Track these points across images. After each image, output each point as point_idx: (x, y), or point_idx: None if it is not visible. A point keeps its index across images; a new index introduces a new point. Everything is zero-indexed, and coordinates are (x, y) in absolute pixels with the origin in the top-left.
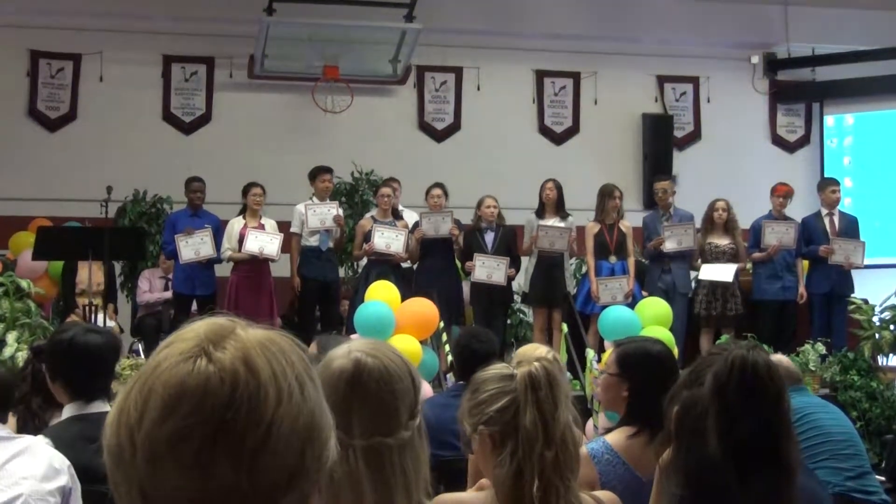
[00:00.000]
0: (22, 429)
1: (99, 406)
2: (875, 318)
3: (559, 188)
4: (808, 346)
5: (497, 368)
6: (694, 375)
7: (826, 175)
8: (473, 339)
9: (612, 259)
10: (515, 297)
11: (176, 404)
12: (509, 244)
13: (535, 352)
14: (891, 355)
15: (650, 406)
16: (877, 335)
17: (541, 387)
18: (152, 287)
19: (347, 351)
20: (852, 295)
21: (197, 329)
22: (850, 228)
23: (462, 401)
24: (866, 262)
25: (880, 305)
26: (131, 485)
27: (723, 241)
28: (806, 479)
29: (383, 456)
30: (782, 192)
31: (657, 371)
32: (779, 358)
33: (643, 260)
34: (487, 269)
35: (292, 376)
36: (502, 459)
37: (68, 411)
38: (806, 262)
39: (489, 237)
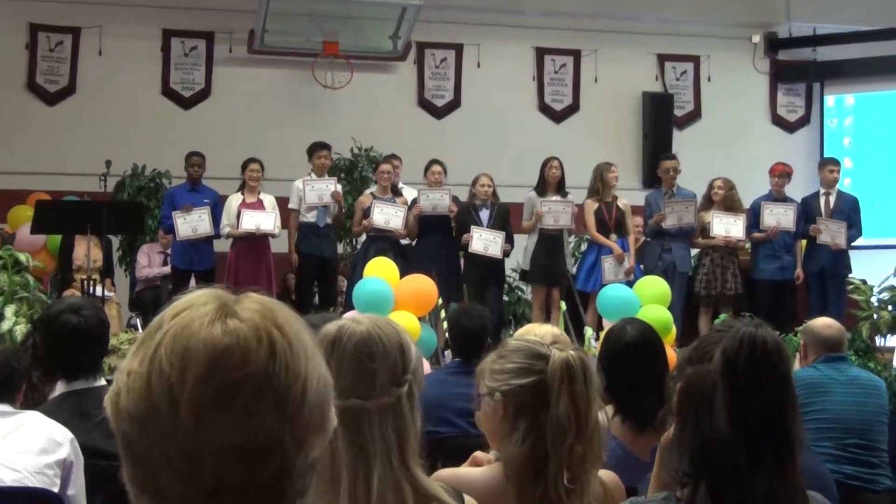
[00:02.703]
0: (22, 402)
1: (87, 382)
2: (873, 299)
3: (563, 167)
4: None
5: (531, 341)
6: (699, 352)
7: (826, 155)
8: (463, 316)
9: (613, 237)
10: (512, 272)
11: (221, 360)
12: (504, 222)
13: (539, 330)
14: (889, 336)
15: (614, 386)
16: (875, 315)
17: (577, 379)
18: (151, 262)
19: (339, 319)
20: (850, 275)
21: (206, 295)
22: (846, 208)
23: (486, 359)
24: (865, 242)
25: (879, 286)
26: (167, 445)
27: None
28: (809, 459)
29: (360, 419)
30: (778, 172)
31: (624, 353)
32: (825, 321)
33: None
34: (484, 241)
35: (307, 337)
36: (514, 436)
37: (60, 387)
38: (804, 242)
39: (484, 214)
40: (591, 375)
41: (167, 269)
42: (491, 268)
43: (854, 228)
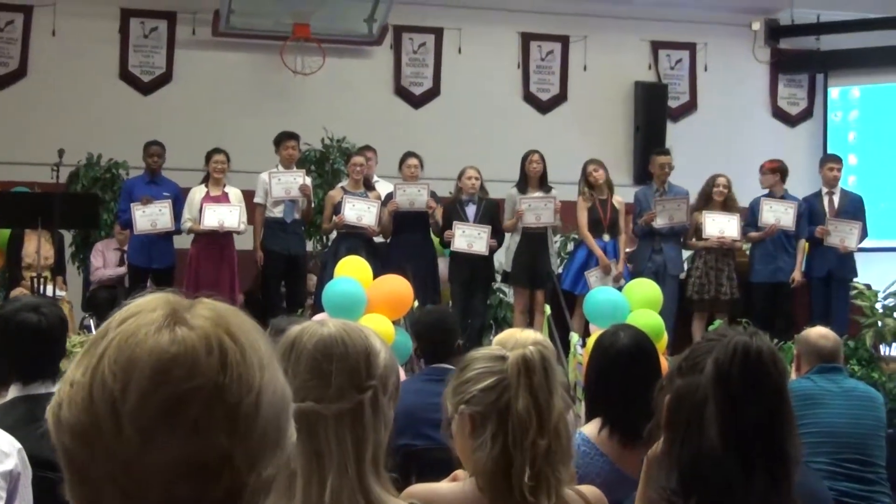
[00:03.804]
0: None
1: (44, 386)
2: (878, 305)
3: (545, 161)
4: None
5: (490, 349)
6: (689, 363)
7: (829, 151)
8: (423, 314)
9: (606, 237)
10: (496, 275)
11: (167, 370)
12: (493, 218)
13: (520, 336)
14: (894, 344)
15: (603, 397)
16: (879, 323)
17: (535, 371)
18: (106, 262)
19: (306, 322)
20: (855, 279)
21: (156, 301)
22: (852, 208)
23: (450, 379)
24: (870, 244)
25: (884, 291)
26: (111, 462)
27: None
28: (805, 475)
29: (316, 424)
30: (766, 168)
31: (615, 362)
32: (820, 331)
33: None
34: (468, 238)
35: (263, 346)
36: (482, 442)
37: (12, 391)
38: (807, 244)
39: (471, 210)
40: (551, 367)
41: (123, 270)
42: (478, 268)
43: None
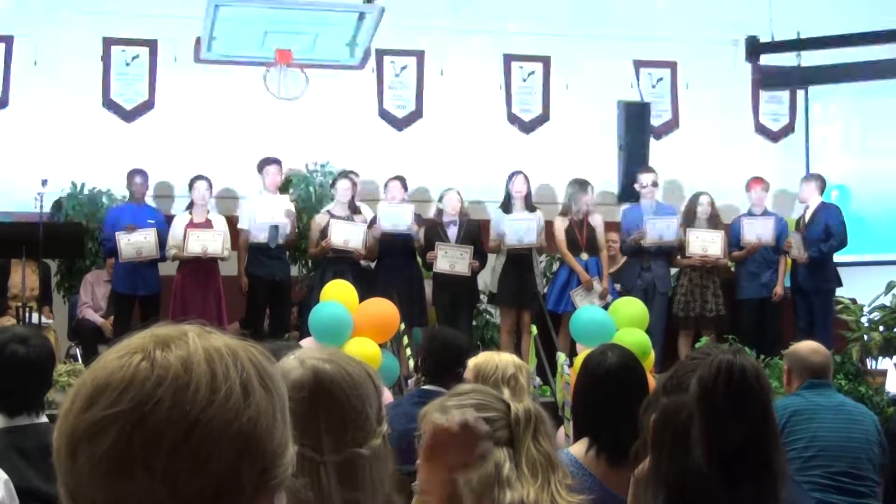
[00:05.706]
0: None
1: (28, 418)
2: (863, 319)
3: (528, 181)
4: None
5: (490, 391)
6: (674, 381)
7: (811, 166)
8: (440, 333)
9: (584, 256)
10: (482, 296)
11: (98, 396)
12: (474, 239)
13: (497, 358)
14: (880, 358)
15: (591, 417)
16: (865, 337)
17: (544, 422)
18: (94, 297)
19: (300, 360)
20: (839, 294)
21: (152, 331)
22: (823, 219)
23: (431, 404)
24: (855, 258)
25: (869, 305)
26: (61, 481)
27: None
28: (791, 490)
29: (358, 469)
30: (753, 184)
31: (602, 382)
32: (811, 346)
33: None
34: (450, 259)
35: (236, 379)
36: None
37: None
38: (789, 259)
39: (452, 231)
40: (544, 420)
41: (101, 320)
42: (462, 290)
43: (833, 239)
